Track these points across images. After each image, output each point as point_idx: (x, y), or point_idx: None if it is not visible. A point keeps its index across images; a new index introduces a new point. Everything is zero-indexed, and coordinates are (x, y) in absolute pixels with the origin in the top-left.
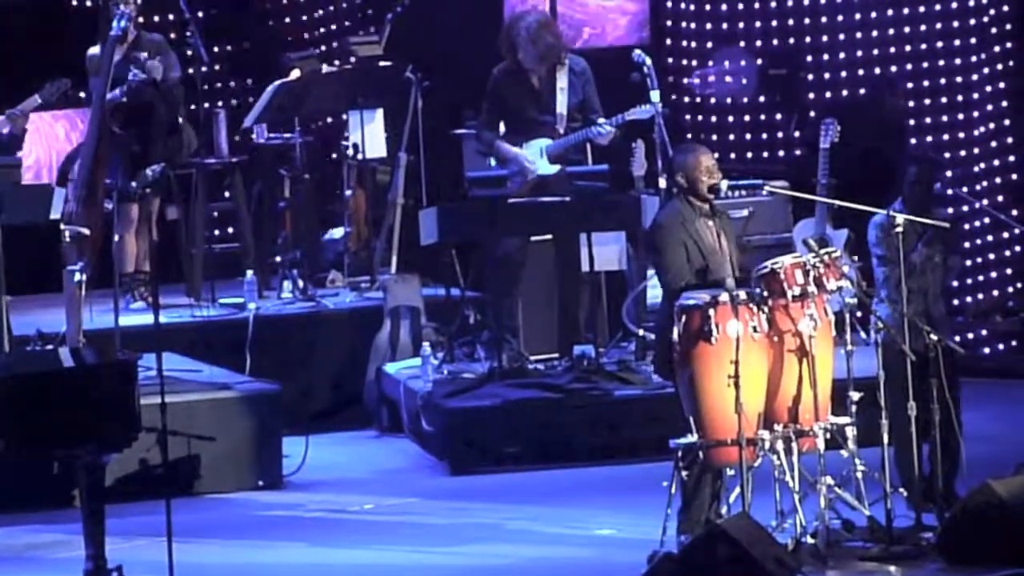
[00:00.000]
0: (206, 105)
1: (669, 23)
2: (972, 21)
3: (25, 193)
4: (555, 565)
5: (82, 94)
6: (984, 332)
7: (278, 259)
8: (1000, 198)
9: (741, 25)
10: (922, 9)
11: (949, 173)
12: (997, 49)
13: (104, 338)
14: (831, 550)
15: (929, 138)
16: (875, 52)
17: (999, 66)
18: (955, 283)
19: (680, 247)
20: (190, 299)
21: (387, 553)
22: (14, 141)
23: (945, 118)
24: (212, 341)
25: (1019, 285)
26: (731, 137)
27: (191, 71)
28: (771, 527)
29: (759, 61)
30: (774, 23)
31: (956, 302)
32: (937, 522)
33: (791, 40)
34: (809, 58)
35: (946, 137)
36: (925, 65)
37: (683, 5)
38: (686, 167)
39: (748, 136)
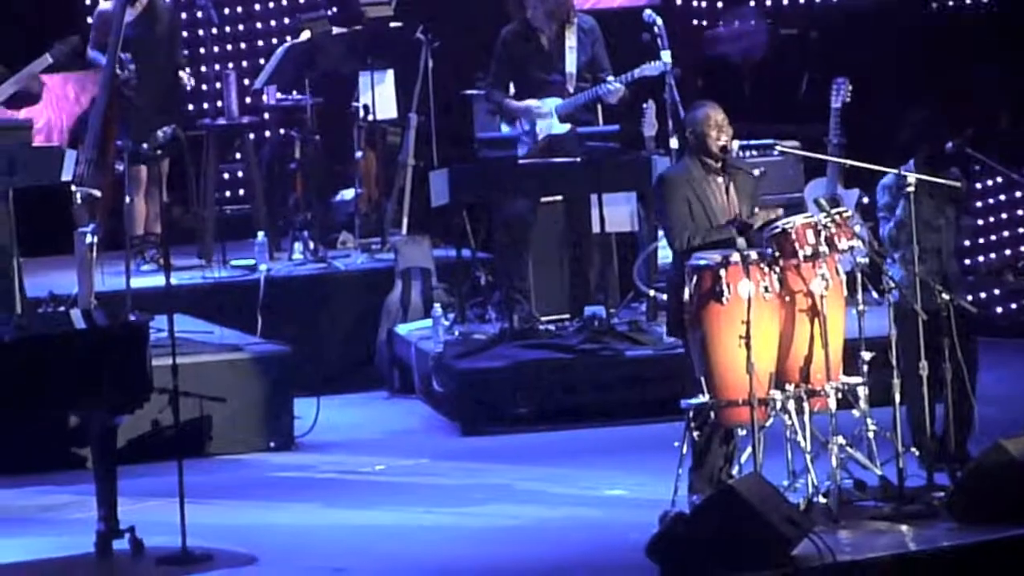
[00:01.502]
0: (216, 67)
1: None
2: None
3: (37, 155)
4: (566, 526)
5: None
6: (996, 291)
7: (289, 221)
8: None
9: None
10: None
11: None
12: None
13: (116, 300)
14: (843, 510)
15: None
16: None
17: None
18: (967, 242)
19: (683, 203)
20: (201, 261)
21: (398, 514)
22: (31, 100)
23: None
24: (223, 303)
25: None
26: (742, 97)
27: (200, 33)
28: (783, 487)
29: (769, 21)
30: None
31: (968, 262)
32: (949, 481)
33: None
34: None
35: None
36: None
37: None
38: (695, 123)
39: (759, 96)
